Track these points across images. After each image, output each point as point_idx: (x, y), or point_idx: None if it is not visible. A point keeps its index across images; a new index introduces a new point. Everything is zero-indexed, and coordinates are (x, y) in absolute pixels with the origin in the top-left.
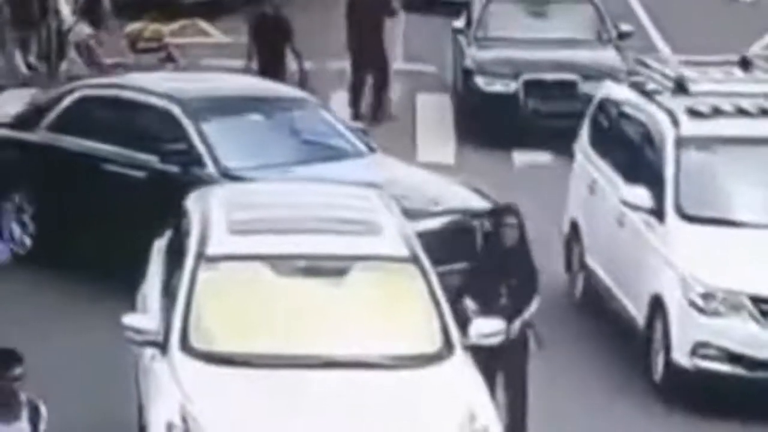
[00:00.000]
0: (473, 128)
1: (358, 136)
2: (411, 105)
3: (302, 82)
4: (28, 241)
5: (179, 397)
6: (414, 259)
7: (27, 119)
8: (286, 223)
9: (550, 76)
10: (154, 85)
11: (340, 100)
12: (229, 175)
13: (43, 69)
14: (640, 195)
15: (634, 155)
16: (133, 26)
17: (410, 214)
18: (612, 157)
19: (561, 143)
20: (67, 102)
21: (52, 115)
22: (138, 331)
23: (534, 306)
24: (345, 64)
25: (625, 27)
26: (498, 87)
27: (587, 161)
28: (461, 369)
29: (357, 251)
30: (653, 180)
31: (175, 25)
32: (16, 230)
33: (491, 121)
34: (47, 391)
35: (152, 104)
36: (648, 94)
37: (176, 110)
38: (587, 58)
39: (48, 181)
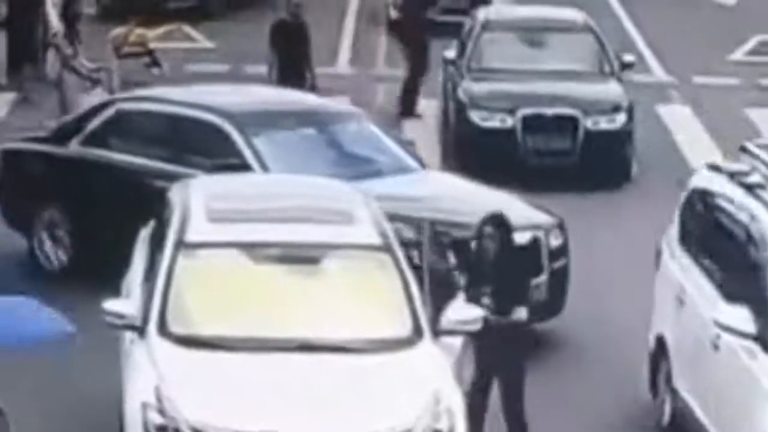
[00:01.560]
0: (467, 166)
1: (408, 150)
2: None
3: (313, 88)
4: (63, 257)
5: (155, 379)
6: (386, 248)
7: (59, 133)
8: (264, 212)
9: (549, 111)
10: (196, 98)
11: None
12: None
13: (29, 72)
14: (740, 317)
15: (732, 263)
16: (118, 31)
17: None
18: (705, 262)
19: (562, 185)
20: (102, 116)
21: (86, 130)
22: (118, 315)
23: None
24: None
25: (628, 57)
26: (494, 122)
27: (676, 263)
28: (429, 353)
29: (331, 240)
30: (756, 298)
31: (160, 30)
32: (48, 245)
33: (486, 159)
34: None
35: (198, 118)
36: (752, 189)
37: (226, 125)
38: (589, 92)
39: (84, 196)
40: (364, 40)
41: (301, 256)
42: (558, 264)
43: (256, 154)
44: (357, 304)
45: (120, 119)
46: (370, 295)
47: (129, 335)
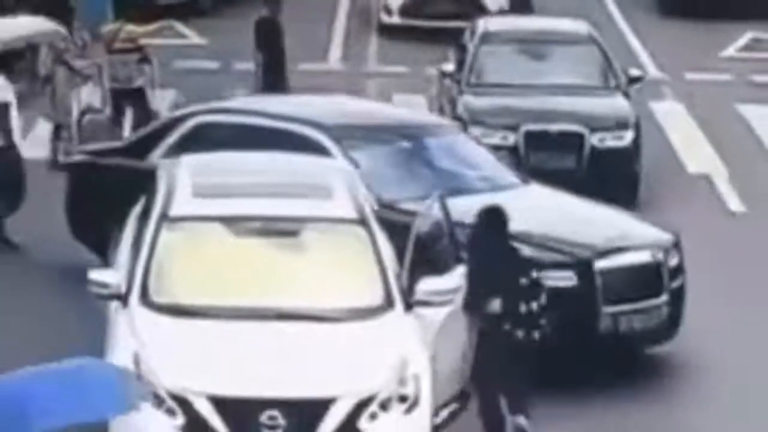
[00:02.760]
0: None
1: (508, 165)
2: None
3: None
4: None
5: (134, 345)
6: (362, 222)
7: (136, 147)
8: (245, 187)
9: (554, 128)
10: (287, 110)
11: None
12: (389, 207)
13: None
14: None
15: None
16: (108, 27)
17: (594, 251)
18: None
19: None
20: (183, 129)
21: (167, 142)
22: (103, 285)
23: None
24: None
25: (634, 71)
26: (496, 139)
27: None
28: (399, 322)
29: (309, 213)
30: None
31: (150, 27)
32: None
33: None
34: None
35: (292, 131)
36: None
37: (323, 138)
38: (595, 107)
39: None
40: (355, 37)
41: (279, 229)
42: (676, 284)
43: (356, 167)
44: (331, 275)
45: (201, 132)
46: (345, 267)
47: (114, 304)
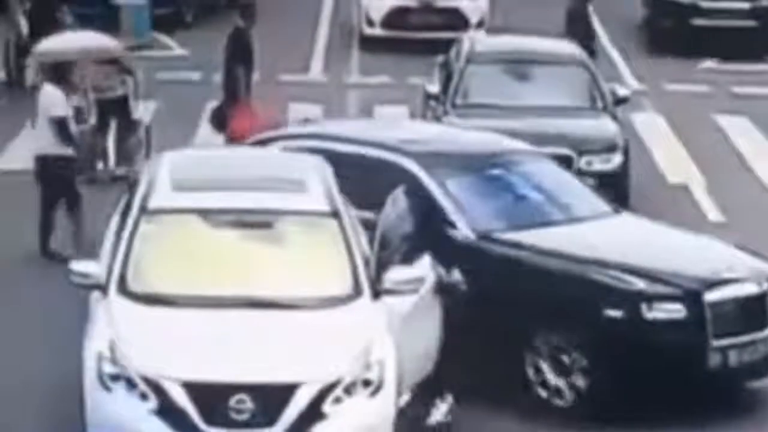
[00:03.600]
0: None
1: (600, 195)
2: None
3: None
4: None
5: (110, 332)
6: (334, 214)
7: None
8: (223, 181)
9: (542, 151)
10: (375, 136)
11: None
12: (486, 238)
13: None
14: None
15: None
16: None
17: (703, 283)
18: None
19: None
20: None
21: None
22: (83, 275)
23: None
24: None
25: (622, 91)
26: None
27: None
28: (366, 310)
29: (282, 206)
30: None
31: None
32: None
33: None
34: None
35: (380, 158)
36: None
37: (414, 166)
38: (583, 129)
39: None
40: (337, 49)
41: (253, 221)
42: None
43: (449, 196)
44: (302, 265)
45: None
46: (315, 257)
47: (95, 294)
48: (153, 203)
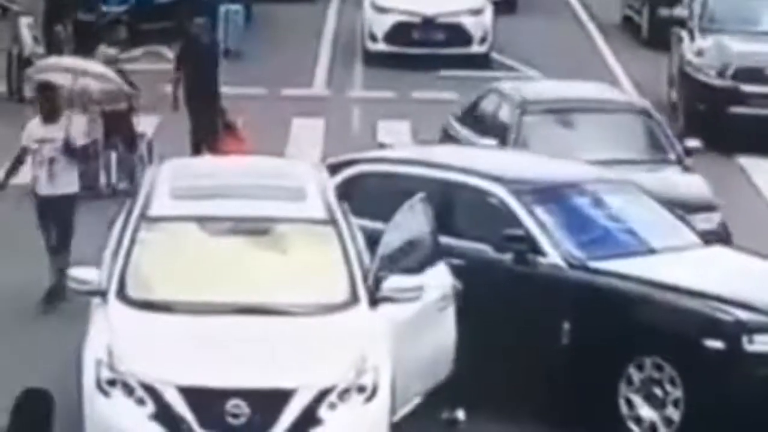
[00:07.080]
0: None
1: (689, 225)
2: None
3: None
4: None
5: (108, 337)
6: (331, 222)
7: None
8: (222, 189)
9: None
10: (461, 162)
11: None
12: (578, 267)
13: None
14: None
15: None
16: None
17: None
18: None
19: None
20: (340, 177)
21: None
22: (81, 281)
23: None
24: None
25: (692, 143)
26: None
27: None
28: (362, 317)
29: (279, 214)
30: None
31: (137, 52)
32: None
33: None
34: None
35: (467, 184)
36: None
37: (503, 193)
38: (674, 187)
39: None
40: (340, 64)
41: (251, 229)
42: None
43: (540, 224)
44: (299, 272)
45: (363, 182)
46: (312, 264)
47: (95, 300)
48: (152, 211)
